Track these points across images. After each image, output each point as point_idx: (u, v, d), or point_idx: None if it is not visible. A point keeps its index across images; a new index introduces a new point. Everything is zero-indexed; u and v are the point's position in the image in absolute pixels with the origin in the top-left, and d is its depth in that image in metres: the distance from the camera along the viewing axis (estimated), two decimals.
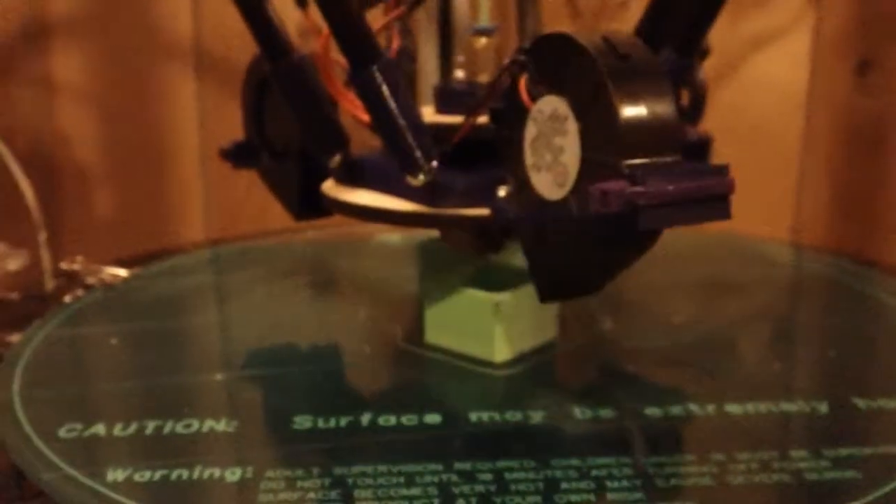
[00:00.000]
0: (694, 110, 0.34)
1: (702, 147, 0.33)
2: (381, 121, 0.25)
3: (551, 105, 0.22)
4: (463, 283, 0.28)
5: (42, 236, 0.44)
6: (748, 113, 0.52)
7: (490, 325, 0.27)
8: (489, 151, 0.25)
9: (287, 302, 0.34)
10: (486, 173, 0.25)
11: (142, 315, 0.32)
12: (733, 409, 0.24)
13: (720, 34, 0.52)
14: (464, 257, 0.30)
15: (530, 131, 0.23)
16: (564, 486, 0.20)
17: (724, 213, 0.20)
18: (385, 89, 0.25)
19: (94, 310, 0.33)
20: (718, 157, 0.49)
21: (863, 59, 0.51)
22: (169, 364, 0.28)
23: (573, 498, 0.20)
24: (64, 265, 0.38)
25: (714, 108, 0.52)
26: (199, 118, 0.58)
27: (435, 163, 0.25)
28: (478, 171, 0.26)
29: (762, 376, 0.28)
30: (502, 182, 0.24)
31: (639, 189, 0.19)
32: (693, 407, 0.25)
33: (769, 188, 0.53)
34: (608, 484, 0.20)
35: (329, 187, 0.30)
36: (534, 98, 0.22)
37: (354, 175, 0.29)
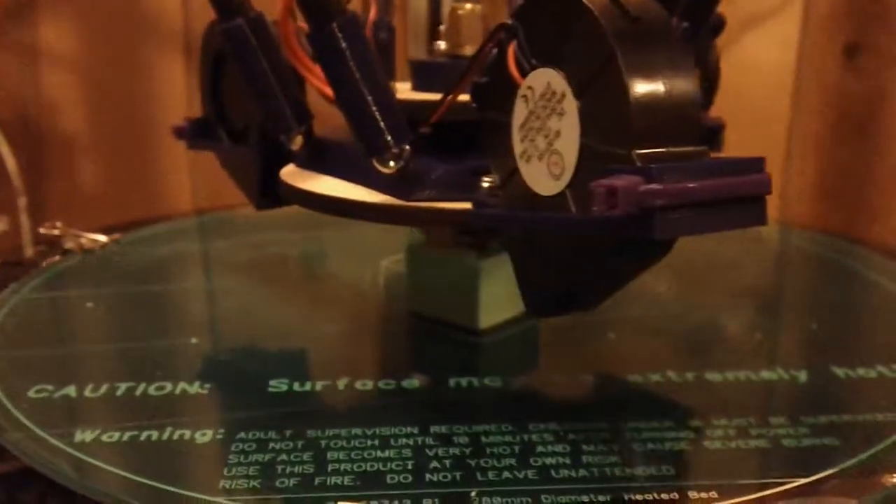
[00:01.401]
0: (706, 93, 0.30)
1: (713, 135, 0.30)
2: (343, 93, 0.21)
3: (545, 80, 0.18)
4: (446, 246, 0.28)
5: (22, 202, 0.43)
6: (736, 94, 0.52)
7: (473, 291, 0.27)
8: (473, 136, 0.21)
9: (269, 270, 0.34)
10: (469, 161, 0.22)
11: (120, 280, 0.32)
12: (713, 376, 0.24)
13: None
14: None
15: (520, 112, 0.19)
16: (540, 449, 0.20)
17: (758, 217, 0.16)
18: (347, 53, 0.21)
19: (72, 274, 0.33)
20: None
21: (851, 42, 0.50)
22: (145, 328, 0.28)
23: (548, 461, 0.20)
24: (43, 230, 0.38)
25: None
26: (188, 90, 0.57)
27: (408, 147, 0.21)
28: (459, 158, 0.22)
29: (743, 346, 0.28)
30: (486, 172, 0.21)
31: (655, 187, 0.15)
32: (672, 374, 0.24)
33: None
34: (584, 447, 0.20)
35: (288, 173, 0.26)
36: (524, 72, 0.19)
37: (318, 159, 0.25)
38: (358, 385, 0.24)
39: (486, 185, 0.21)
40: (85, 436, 0.20)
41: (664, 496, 0.18)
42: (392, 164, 0.21)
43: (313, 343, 0.28)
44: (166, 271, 0.34)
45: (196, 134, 0.31)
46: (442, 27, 0.26)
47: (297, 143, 0.26)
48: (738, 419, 0.22)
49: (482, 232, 0.25)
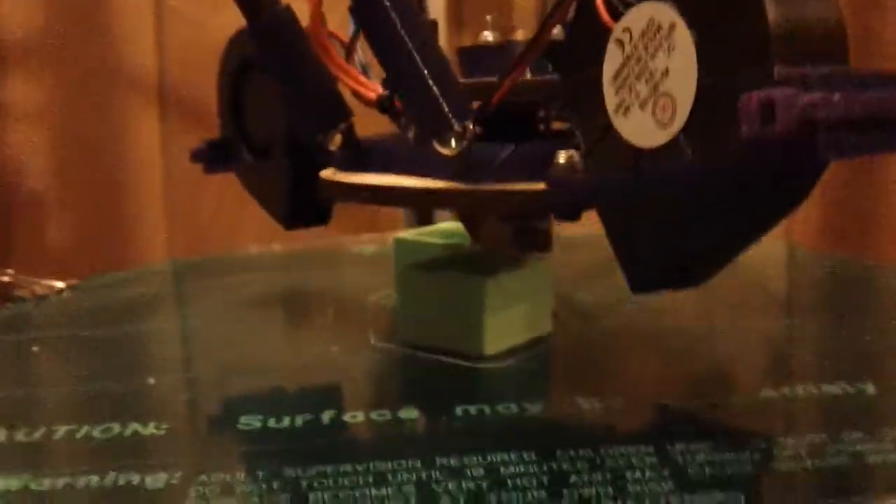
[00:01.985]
0: None
1: None
2: (396, 67, 0.19)
3: (646, 15, 0.16)
4: (445, 267, 0.24)
5: None
6: None
7: (477, 313, 0.23)
8: (530, 120, 0.20)
9: (243, 311, 0.30)
10: (532, 144, 0.20)
11: (73, 323, 0.28)
12: (768, 393, 0.21)
13: None
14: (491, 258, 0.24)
15: (612, 60, 0.17)
16: (574, 479, 0.16)
17: None
18: (397, 21, 0.19)
19: (22, 318, 0.29)
20: None
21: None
22: (96, 370, 0.24)
23: (586, 492, 0.16)
24: None
25: None
26: (162, 144, 0.55)
27: (470, 126, 0.19)
28: (518, 142, 0.20)
29: (790, 361, 0.24)
30: (561, 146, 0.19)
31: (817, 96, 0.13)
32: (714, 394, 0.21)
33: None
34: (629, 475, 0.16)
35: (330, 173, 0.24)
36: (615, 15, 0.17)
37: (360, 159, 0.23)
38: (346, 418, 0.20)
39: (562, 159, 0.18)
40: (10, 483, 0.16)
41: None
42: (454, 144, 0.19)
43: (290, 379, 0.24)
44: (127, 314, 0.30)
45: (215, 156, 0.29)
46: (488, 17, 0.24)
47: (336, 141, 0.23)
48: (807, 436, 0.18)
49: (545, 225, 0.23)
